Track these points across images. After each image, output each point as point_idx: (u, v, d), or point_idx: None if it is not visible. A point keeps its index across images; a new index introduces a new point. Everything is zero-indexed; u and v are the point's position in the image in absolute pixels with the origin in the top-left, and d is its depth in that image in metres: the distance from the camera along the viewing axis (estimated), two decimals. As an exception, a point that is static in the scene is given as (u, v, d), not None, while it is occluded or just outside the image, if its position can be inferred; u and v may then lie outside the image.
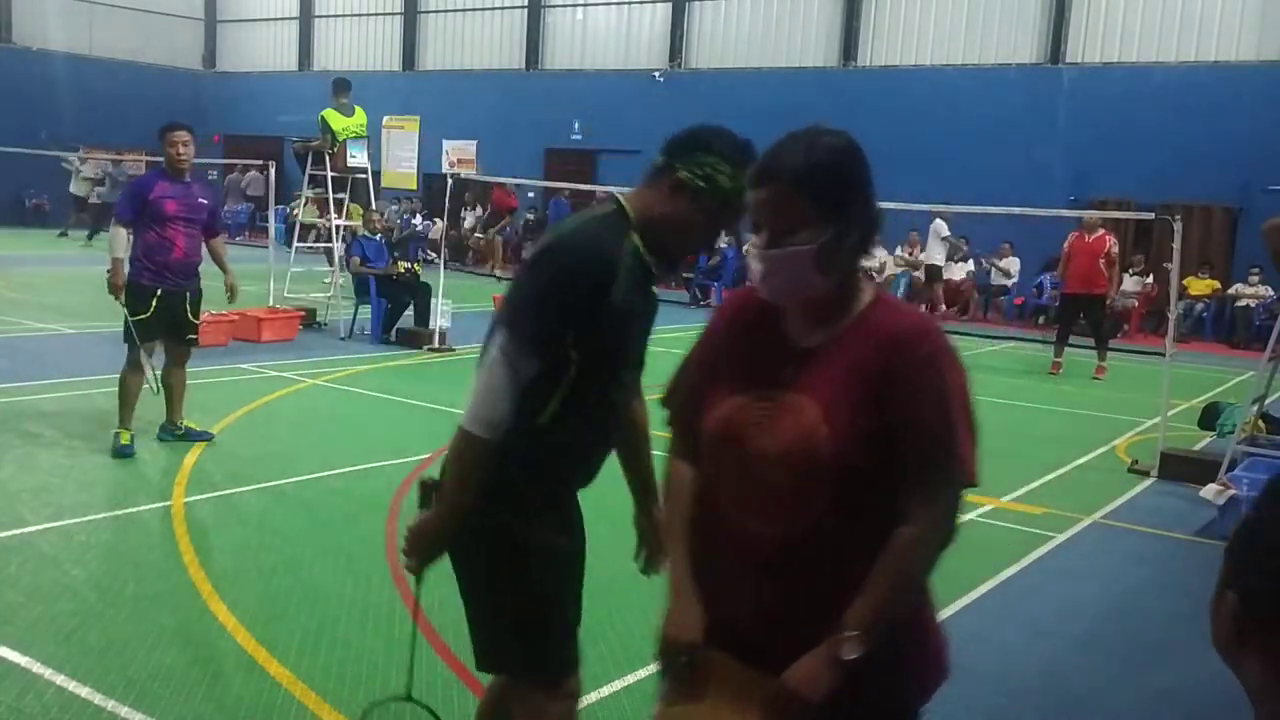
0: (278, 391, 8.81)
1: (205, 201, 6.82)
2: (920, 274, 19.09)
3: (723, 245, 19.44)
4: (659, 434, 2.43)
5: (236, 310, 11.44)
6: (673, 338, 12.15)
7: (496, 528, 2.42)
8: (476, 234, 22.92)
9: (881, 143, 17.52)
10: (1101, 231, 12.12)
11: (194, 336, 6.86)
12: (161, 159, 6.75)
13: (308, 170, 13.15)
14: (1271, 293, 16.69)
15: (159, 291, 6.51)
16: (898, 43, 20.83)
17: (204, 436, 6.88)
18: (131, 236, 6.53)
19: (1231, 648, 1.27)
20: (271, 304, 12.53)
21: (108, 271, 6.60)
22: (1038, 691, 4.08)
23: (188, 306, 6.69)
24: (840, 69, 21.33)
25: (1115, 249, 12.11)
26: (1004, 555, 5.55)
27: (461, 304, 12.62)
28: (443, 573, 4.87)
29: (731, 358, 2.05)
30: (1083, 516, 6.58)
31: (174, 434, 6.83)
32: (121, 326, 6.64)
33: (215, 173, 29.40)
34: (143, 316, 6.51)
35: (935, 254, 17.87)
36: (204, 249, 6.85)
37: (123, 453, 6.39)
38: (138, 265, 6.54)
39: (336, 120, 12.71)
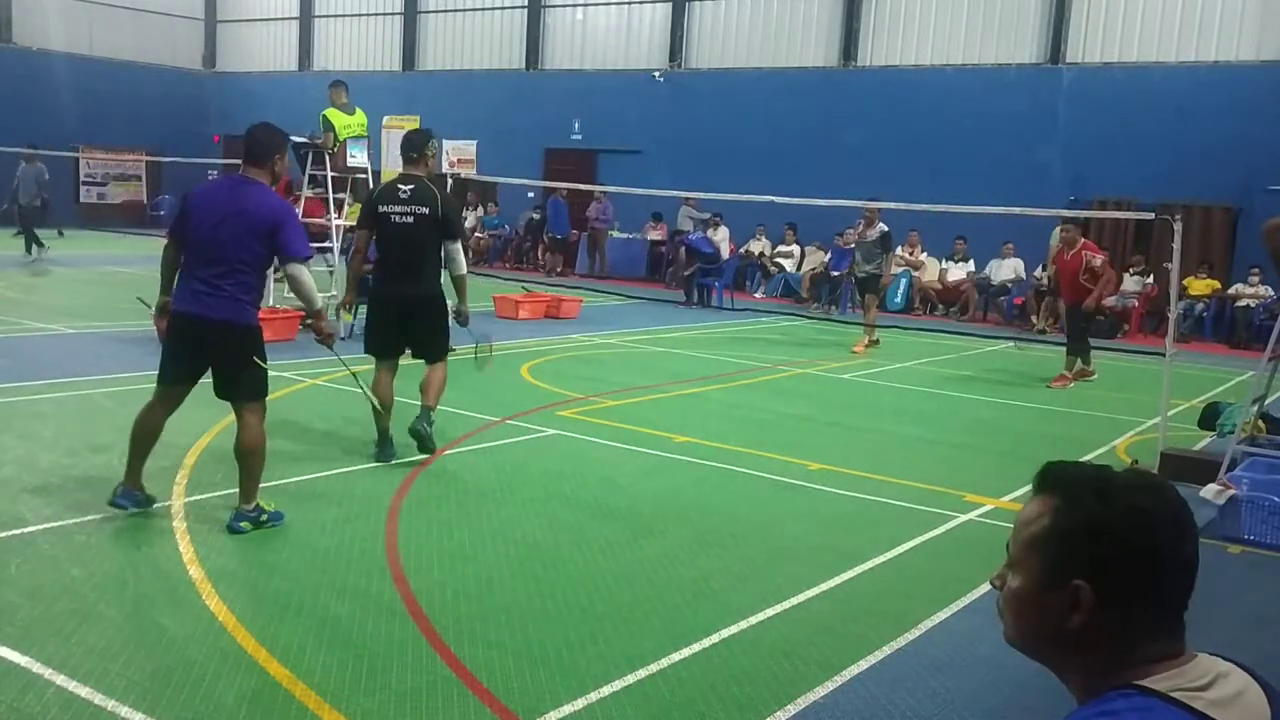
0: (278, 392, 8.79)
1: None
2: (918, 274, 19.12)
3: (720, 250, 19.43)
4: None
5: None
6: (672, 337, 12.23)
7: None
8: (477, 234, 22.93)
9: (881, 143, 17.54)
10: (1080, 245, 11.63)
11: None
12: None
13: (308, 170, 13.16)
14: (1271, 293, 16.69)
15: None
16: (898, 43, 20.82)
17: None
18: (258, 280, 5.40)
19: (1051, 635, 1.47)
20: (271, 304, 12.52)
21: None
22: (1037, 690, 4.08)
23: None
24: (840, 69, 21.33)
25: (1096, 261, 11.54)
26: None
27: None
28: (445, 580, 4.85)
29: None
30: (1083, 516, 6.58)
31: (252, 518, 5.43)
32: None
33: (215, 172, 29.44)
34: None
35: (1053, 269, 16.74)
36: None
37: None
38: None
39: (339, 119, 12.72)
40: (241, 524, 5.32)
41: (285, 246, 5.24)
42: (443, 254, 6.69)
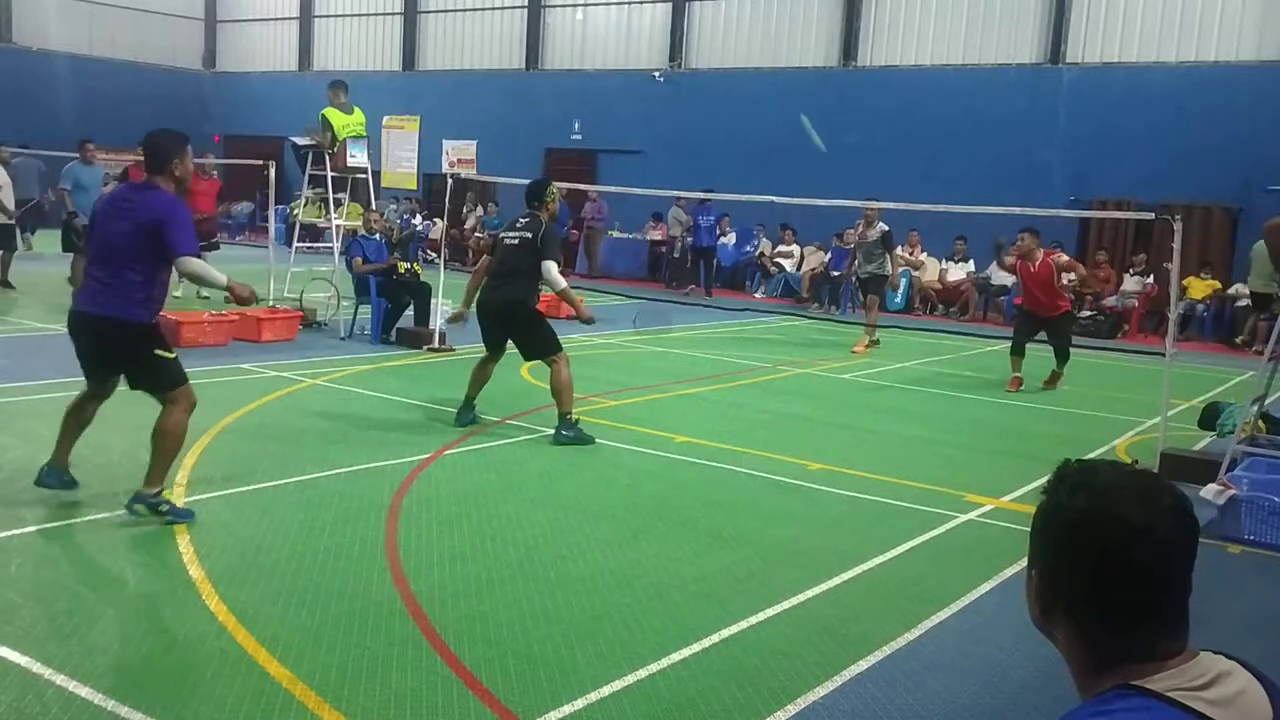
0: (278, 391, 8.81)
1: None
2: (918, 274, 19.12)
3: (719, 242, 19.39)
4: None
5: (236, 310, 11.46)
6: (672, 337, 12.27)
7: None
8: (477, 234, 22.91)
9: (882, 142, 17.52)
10: (1041, 254, 11.07)
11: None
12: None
13: (308, 170, 13.17)
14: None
15: None
16: (898, 43, 20.82)
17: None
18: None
19: (1040, 621, 1.47)
20: (271, 304, 12.52)
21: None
22: (1037, 691, 4.08)
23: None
24: (840, 69, 21.33)
25: (1061, 259, 11.27)
26: (1004, 555, 5.56)
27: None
28: (445, 581, 4.86)
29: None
30: (1083, 516, 6.58)
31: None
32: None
33: (215, 172, 29.44)
34: None
35: (1257, 282, 15.49)
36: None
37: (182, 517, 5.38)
38: None
39: (337, 118, 12.74)
40: (136, 507, 5.30)
41: (170, 244, 5.30)
42: (542, 275, 7.86)
